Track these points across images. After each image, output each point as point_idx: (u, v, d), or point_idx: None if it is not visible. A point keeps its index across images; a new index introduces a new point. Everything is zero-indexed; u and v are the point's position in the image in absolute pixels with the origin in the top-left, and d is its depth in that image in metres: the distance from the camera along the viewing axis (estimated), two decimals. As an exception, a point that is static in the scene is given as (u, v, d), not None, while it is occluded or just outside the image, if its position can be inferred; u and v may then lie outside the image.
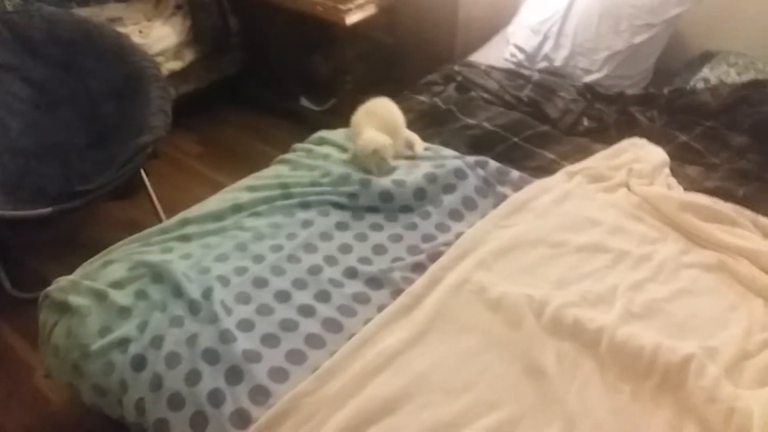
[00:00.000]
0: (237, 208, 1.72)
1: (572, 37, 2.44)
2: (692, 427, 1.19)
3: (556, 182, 1.81)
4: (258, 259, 1.55)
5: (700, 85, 2.19)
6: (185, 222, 1.68)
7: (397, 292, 1.47)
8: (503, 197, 1.77)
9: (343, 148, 1.98)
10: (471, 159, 1.86)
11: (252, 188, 1.81)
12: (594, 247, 1.59)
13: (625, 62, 2.36)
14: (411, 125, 2.11)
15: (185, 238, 1.63)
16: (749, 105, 2.02)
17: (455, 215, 1.73)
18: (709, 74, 2.22)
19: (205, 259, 1.54)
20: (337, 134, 2.06)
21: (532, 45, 2.53)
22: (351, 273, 1.53)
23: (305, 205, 1.73)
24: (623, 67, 2.36)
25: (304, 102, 3.04)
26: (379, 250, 1.62)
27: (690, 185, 1.84)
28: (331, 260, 1.57)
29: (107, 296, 1.45)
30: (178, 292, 1.44)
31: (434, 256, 1.57)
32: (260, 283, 1.49)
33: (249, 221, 1.68)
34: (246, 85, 3.23)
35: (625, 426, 1.19)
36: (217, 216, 1.70)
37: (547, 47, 2.49)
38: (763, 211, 1.71)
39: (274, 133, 3.04)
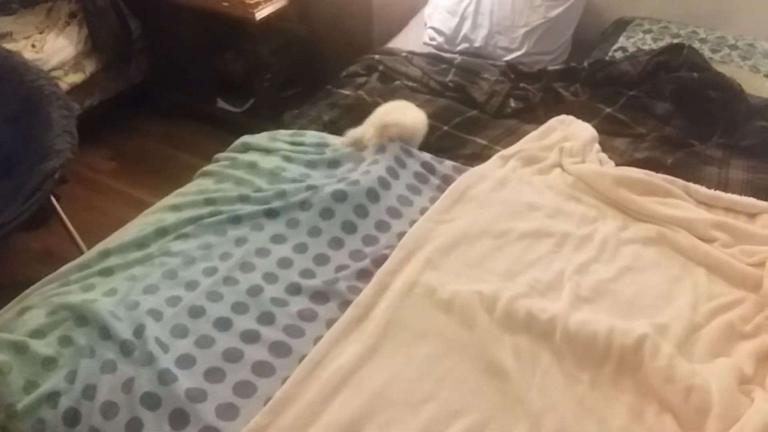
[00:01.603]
0: (161, 232, 1.60)
1: (489, 15, 2.42)
2: (653, 408, 1.19)
3: (491, 168, 1.78)
4: (191, 286, 1.45)
5: (619, 54, 2.22)
6: (105, 253, 1.54)
7: (344, 305, 1.41)
8: (440, 189, 1.73)
9: (267, 151, 1.88)
10: (401, 153, 1.80)
11: (176, 207, 1.69)
12: (537, 233, 1.57)
13: (543, 37, 2.36)
14: (338, 121, 2.04)
15: (107, 272, 1.50)
16: (668, 71, 2.05)
17: (393, 212, 1.68)
18: (626, 43, 2.24)
19: (132, 292, 1.42)
20: (261, 138, 1.96)
21: (450, 27, 2.49)
22: (294, 289, 1.46)
23: (236, 221, 1.63)
24: (542, 43, 2.36)
25: (222, 104, 2.90)
26: (320, 260, 1.54)
27: (620, 158, 1.85)
28: (270, 278, 1.48)
29: (28, 347, 1.31)
30: (106, 333, 1.32)
31: (379, 261, 1.51)
32: (196, 312, 1.39)
33: (176, 245, 1.56)
34: (157, 92, 3.06)
35: (589, 417, 1.18)
36: (141, 243, 1.57)
37: (465, 28, 2.46)
38: (692, 178, 1.75)
39: (193, 139, 2.89)
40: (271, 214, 1.65)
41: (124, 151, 2.87)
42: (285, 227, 1.62)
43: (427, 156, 1.83)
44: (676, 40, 2.19)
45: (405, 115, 1.87)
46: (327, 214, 1.63)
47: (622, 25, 2.36)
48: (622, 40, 2.26)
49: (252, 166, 1.83)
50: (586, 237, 1.56)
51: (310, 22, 2.85)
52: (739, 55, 2.12)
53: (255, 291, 1.44)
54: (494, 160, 1.81)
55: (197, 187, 1.78)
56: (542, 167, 1.80)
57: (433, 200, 1.70)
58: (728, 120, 1.91)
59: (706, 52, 2.15)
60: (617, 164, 1.82)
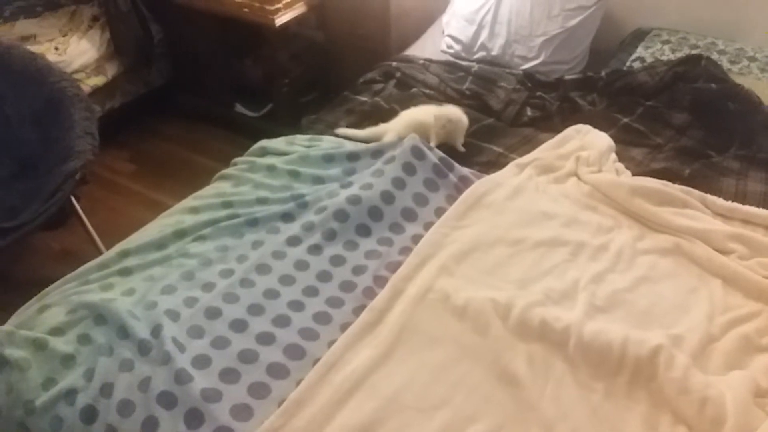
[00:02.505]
0: (180, 234, 1.62)
1: (507, 24, 2.43)
2: (668, 420, 1.18)
3: (507, 176, 1.79)
4: (208, 287, 1.47)
5: (636, 65, 2.21)
6: (124, 254, 1.57)
7: (359, 309, 1.42)
8: (456, 189, 1.73)
9: (285, 154, 1.90)
10: (420, 146, 1.80)
11: (194, 210, 1.71)
12: (552, 242, 1.57)
13: (560, 47, 2.36)
14: (356, 126, 2.06)
15: (126, 272, 1.52)
16: (686, 81, 2.05)
17: (408, 214, 1.68)
18: (644, 53, 2.24)
19: (151, 293, 1.45)
20: (278, 142, 1.98)
21: (467, 35, 2.50)
22: (310, 292, 1.47)
23: (252, 224, 1.65)
24: (560, 52, 2.36)
25: (240, 109, 2.93)
26: (336, 261, 1.56)
27: (637, 168, 1.85)
28: (287, 280, 1.50)
29: (47, 345, 1.34)
30: (124, 332, 1.34)
31: (393, 266, 1.52)
32: (213, 313, 1.40)
33: (194, 247, 1.58)
34: (176, 96, 3.10)
35: (602, 427, 1.18)
36: (159, 244, 1.59)
37: (483, 36, 2.47)
38: (710, 189, 1.74)
39: (211, 143, 2.92)
40: (288, 217, 1.67)
41: (144, 153, 2.91)
42: (300, 230, 1.63)
43: (441, 154, 1.83)
44: (694, 51, 2.18)
45: (450, 111, 1.90)
46: (341, 216, 1.64)
47: (640, 36, 2.36)
48: (640, 50, 2.25)
49: (270, 170, 1.85)
50: (601, 246, 1.56)
51: (328, 28, 2.87)
52: (758, 67, 2.11)
53: (271, 293, 1.46)
54: (510, 167, 1.82)
55: (215, 190, 1.80)
56: (558, 176, 1.81)
57: (449, 199, 1.70)
58: (746, 132, 1.90)
59: (725, 64, 2.14)
60: (634, 174, 1.82)
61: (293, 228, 1.64)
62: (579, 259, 1.53)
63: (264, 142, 1.98)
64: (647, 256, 1.55)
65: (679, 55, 2.18)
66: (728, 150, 1.89)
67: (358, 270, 1.53)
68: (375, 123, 2.05)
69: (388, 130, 1.94)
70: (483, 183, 1.74)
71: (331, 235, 1.61)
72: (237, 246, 1.59)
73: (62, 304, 1.43)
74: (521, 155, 1.88)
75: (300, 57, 2.81)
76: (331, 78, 2.94)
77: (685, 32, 2.31)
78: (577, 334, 1.30)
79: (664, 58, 2.19)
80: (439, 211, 1.68)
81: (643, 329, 1.34)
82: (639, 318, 1.38)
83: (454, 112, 1.90)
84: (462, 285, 1.44)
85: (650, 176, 1.79)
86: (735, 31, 2.30)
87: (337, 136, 2.00)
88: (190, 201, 1.76)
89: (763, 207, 1.68)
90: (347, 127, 2.08)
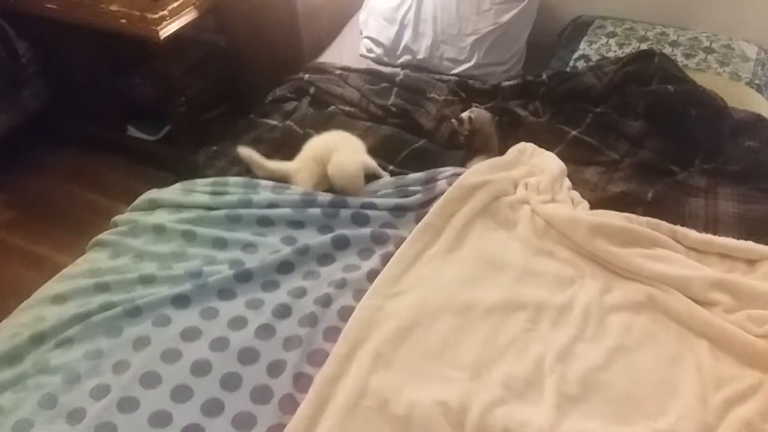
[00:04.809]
0: (38, 338, 1.26)
1: (432, 23, 2.12)
2: None
3: (445, 214, 1.49)
4: (75, 417, 1.13)
5: (581, 64, 1.95)
6: (-36, 376, 1.20)
7: (277, 428, 1.11)
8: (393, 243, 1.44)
9: (180, 208, 1.56)
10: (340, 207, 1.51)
11: (59, 299, 1.35)
12: (506, 306, 1.30)
13: (495, 46, 2.08)
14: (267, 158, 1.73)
15: (-35, 407, 1.16)
16: (639, 83, 1.80)
17: (339, 283, 1.38)
18: (589, 50, 1.98)
19: (-3, 436, 1.10)
20: (172, 192, 1.62)
21: (388, 36, 2.18)
22: (212, 408, 1.15)
23: (134, 314, 1.30)
24: (494, 52, 2.08)
25: (134, 132, 2.53)
26: (247, 357, 1.23)
27: (592, 193, 1.60)
28: (182, 394, 1.17)
29: None
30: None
31: (318, 358, 1.22)
32: (81, 459, 1.07)
33: (57, 356, 1.23)
34: (59, 121, 2.65)
35: None
36: (12, 356, 1.24)
37: (406, 37, 2.16)
38: (677, 214, 1.52)
39: (104, 175, 2.52)
40: (181, 301, 1.33)
41: (23, 195, 2.47)
42: (199, 318, 1.30)
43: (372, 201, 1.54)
44: (644, 45, 1.93)
45: (344, 162, 1.58)
46: (253, 302, 1.32)
47: (581, 27, 2.10)
48: (583, 47, 1.99)
49: (158, 232, 1.51)
50: (564, 307, 1.30)
51: (229, 33, 2.49)
52: (717, 59, 1.89)
53: (160, 418, 1.13)
54: (446, 203, 1.50)
55: (88, 265, 1.45)
56: (512, 202, 1.53)
57: (385, 259, 1.41)
58: (711, 141, 1.68)
59: (679, 58, 1.90)
60: (590, 200, 1.57)
61: (189, 316, 1.31)
62: (540, 327, 1.27)
63: (153, 193, 1.63)
64: (618, 314, 1.29)
65: (627, 50, 1.93)
66: (692, 163, 1.66)
67: (274, 368, 1.21)
68: (288, 153, 1.72)
69: (297, 171, 1.62)
70: (420, 233, 1.44)
71: (239, 322, 1.29)
72: (114, 349, 1.25)
73: None
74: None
75: (198, 69, 2.43)
76: (239, 89, 2.57)
77: (632, 21, 2.06)
78: (550, 446, 1.03)
79: (611, 54, 1.93)
80: (373, 275, 1.38)
81: (626, 423, 1.09)
82: (619, 406, 1.13)
83: (344, 161, 1.58)
84: (402, 381, 1.16)
85: (609, 202, 1.56)
86: (685, 16, 2.05)
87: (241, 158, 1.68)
88: (55, 285, 1.40)
89: (737, 232, 1.47)
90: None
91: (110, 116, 2.51)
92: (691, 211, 1.54)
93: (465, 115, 1.67)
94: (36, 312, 1.33)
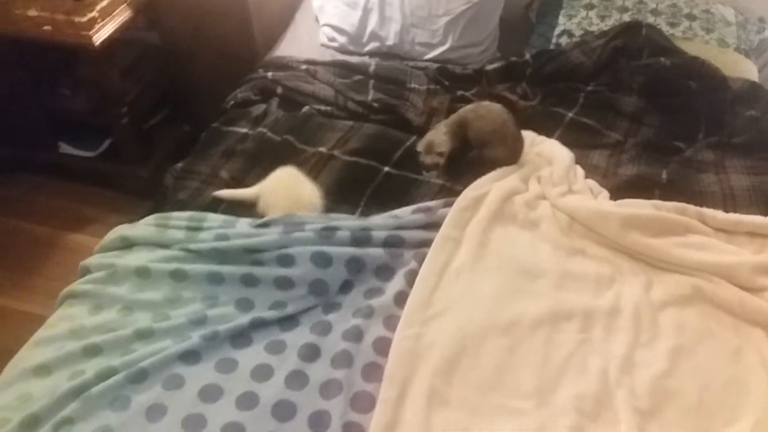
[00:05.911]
0: (31, 423, 1.04)
1: (400, 5, 1.97)
2: None
3: (460, 220, 1.37)
4: None
5: (564, 41, 1.86)
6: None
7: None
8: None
9: (160, 246, 1.36)
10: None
11: (42, 370, 1.14)
12: (552, 316, 1.20)
13: (469, 25, 1.95)
14: (244, 178, 1.55)
15: None
16: (628, 57, 1.74)
17: (365, 311, 1.23)
18: (570, 25, 1.89)
19: None
20: (145, 228, 1.40)
21: (351, 22, 2.01)
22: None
23: (139, 379, 1.11)
24: (469, 33, 1.96)
25: (66, 149, 2.24)
26: (283, 412, 1.07)
27: (604, 179, 1.53)
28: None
29: None
30: None
31: (363, 403, 1.08)
32: None
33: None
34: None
35: None
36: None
37: (372, 23, 1.99)
38: (693, 193, 1.48)
39: (35, 200, 2.23)
40: (190, 356, 1.15)
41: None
42: (216, 373, 1.13)
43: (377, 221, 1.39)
44: (625, 15, 1.86)
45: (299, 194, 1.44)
46: (274, 346, 1.16)
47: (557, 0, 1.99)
48: (563, 22, 1.90)
49: (143, 276, 1.30)
50: (612, 310, 1.22)
51: (162, 28, 2.23)
52: (701, 26, 1.84)
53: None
54: (457, 213, 1.38)
55: (67, 324, 1.23)
56: (528, 200, 1.43)
57: (409, 278, 1.27)
58: (711, 113, 1.64)
59: (664, 27, 1.84)
60: (604, 187, 1.49)
61: (203, 372, 1.13)
62: (593, 336, 1.19)
63: (124, 230, 1.40)
64: (668, 312, 1.23)
65: (609, 22, 1.86)
66: (696, 138, 1.62)
67: (317, 421, 1.07)
68: (268, 167, 1.54)
69: (267, 206, 1.44)
70: (440, 244, 1.32)
71: (264, 372, 1.13)
72: (125, 424, 1.06)
73: None
74: (465, 185, 1.47)
75: (132, 73, 2.16)
76: (179, 91, 2.33)
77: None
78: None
79: (594, 28, 1.85)
80: (401, 298, 1.24)
81: (708, 434, 1.02)
82: (694, 415, 1.07)
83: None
84: (466, 419, 1.05)
85: (623, 187, 1.50)
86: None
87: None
88: (32, 352, 1.19)
89: (756, 205, 1.45)
90: (231, 177, 1.57)
91: (37, 134, 2.20)
92: (706, 188, 1.50)
93: (431, 137, 1.45)
94: (18, 389, 1.11)
